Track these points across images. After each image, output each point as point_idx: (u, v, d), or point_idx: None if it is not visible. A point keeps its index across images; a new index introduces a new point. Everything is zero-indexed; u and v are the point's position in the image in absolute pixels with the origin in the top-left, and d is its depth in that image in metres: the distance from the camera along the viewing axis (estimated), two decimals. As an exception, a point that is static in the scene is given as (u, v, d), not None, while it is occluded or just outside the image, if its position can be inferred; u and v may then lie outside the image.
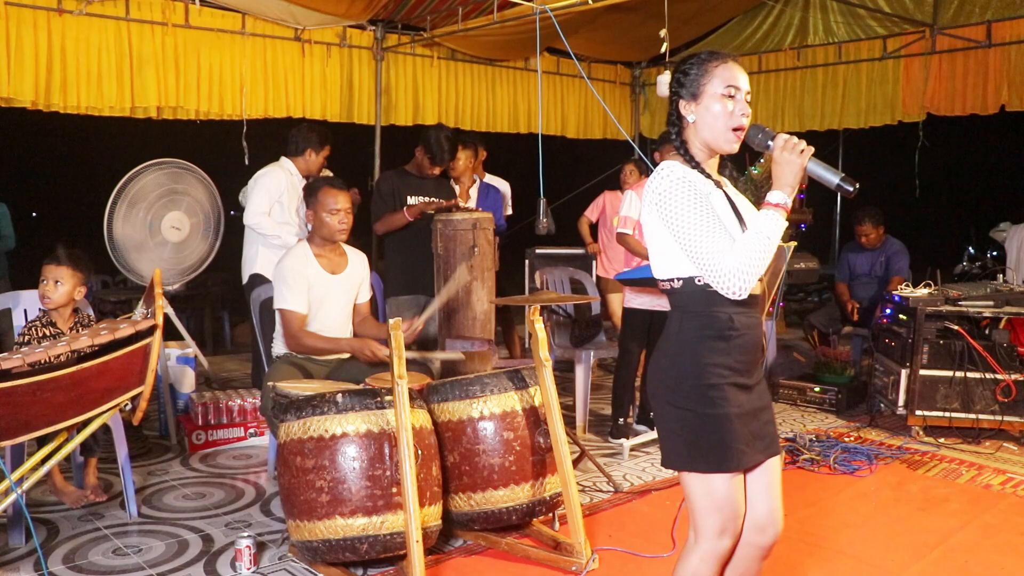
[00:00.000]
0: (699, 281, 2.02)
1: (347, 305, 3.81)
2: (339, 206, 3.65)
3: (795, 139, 1.98)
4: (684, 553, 2.12)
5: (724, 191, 2.10)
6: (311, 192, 3.73)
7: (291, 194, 4.67)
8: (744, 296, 1.97)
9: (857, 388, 5.50)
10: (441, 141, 4.48)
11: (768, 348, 5.46)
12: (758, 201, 2.07)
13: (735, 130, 2.03)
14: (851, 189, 1.98)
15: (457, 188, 5.00)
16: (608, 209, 5.90)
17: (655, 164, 2.06)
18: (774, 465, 2.14)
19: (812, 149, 1.98)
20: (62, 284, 3.46)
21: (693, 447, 2.03)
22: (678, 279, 2.05)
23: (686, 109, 2.07)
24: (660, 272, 2.10)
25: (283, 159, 4.76)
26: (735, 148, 2.06)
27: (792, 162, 1.97)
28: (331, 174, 5.16)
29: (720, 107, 2.02)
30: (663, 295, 5.03)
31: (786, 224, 1.98)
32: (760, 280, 2.06)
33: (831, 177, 1.99)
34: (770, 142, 2.01)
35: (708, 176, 2.07)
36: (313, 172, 4.78)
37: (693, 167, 2.07)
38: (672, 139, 2.12)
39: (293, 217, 4.67)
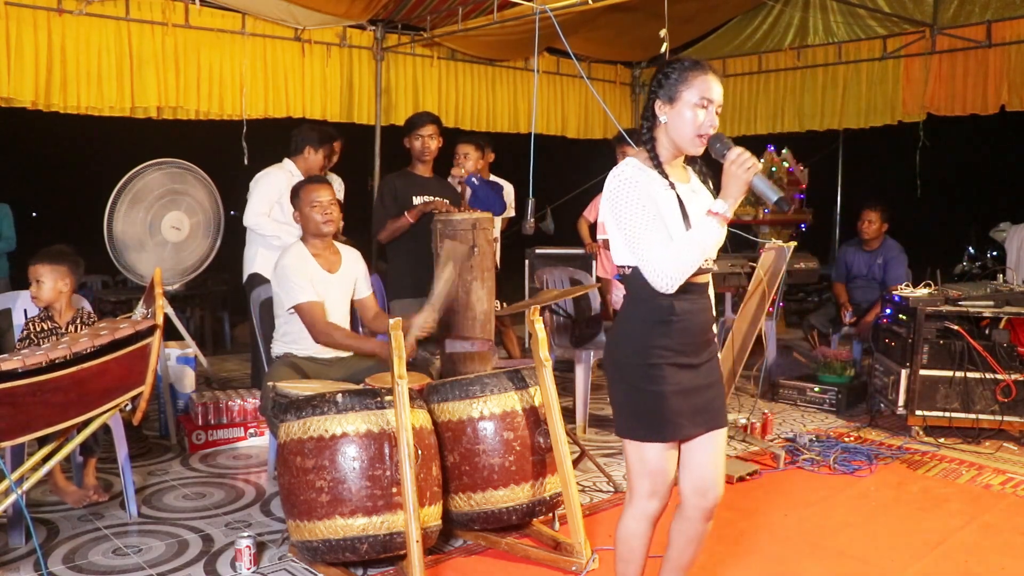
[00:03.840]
0: None
1: (345, 303, 3.81)
2: (319, 199, 3.65)
3: (746, 155, 2.12)
4: (622, 514, 2.38)
5: (676, 192, 2.23)
6: (294, 194, 3.75)
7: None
8: (671, 291, 2.15)
9: (857, 388, 5.50)
10: (412, 117, 4.53)
11: (768, 348, 5.48)
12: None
13: (700, 137, 2.20)
14: (787, 208, 2.16)
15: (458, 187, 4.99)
16: None
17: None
18: (718, 437, 2.34)
19: (759, 166, 2.13)
20: (43, 281, 3.50)
21: (633, 418, 2.27)
22: (629, 267, 2.24)
23: (660, 110, 2.23)
24: (616, 259, 2.29)
25: (285, 160, 4.76)
26: (699, 151, 2.23)
27: (738, 176, 2.11)
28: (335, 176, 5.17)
29: (691, 114, 2.18)
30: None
31: (724, 231, 2.15)
32: (707, 268, 2.27)
33: (771, 194, 2.14)
34: (726, 152, 2.15)
35: (666, 176, 2.23)
36: (314, 171, 4.76)
37: (654, 165, 2.23)
38: (643, 134, 2.28)
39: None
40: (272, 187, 4.62)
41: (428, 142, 4.46)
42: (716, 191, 2.20)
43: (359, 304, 3.91)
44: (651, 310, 2.22)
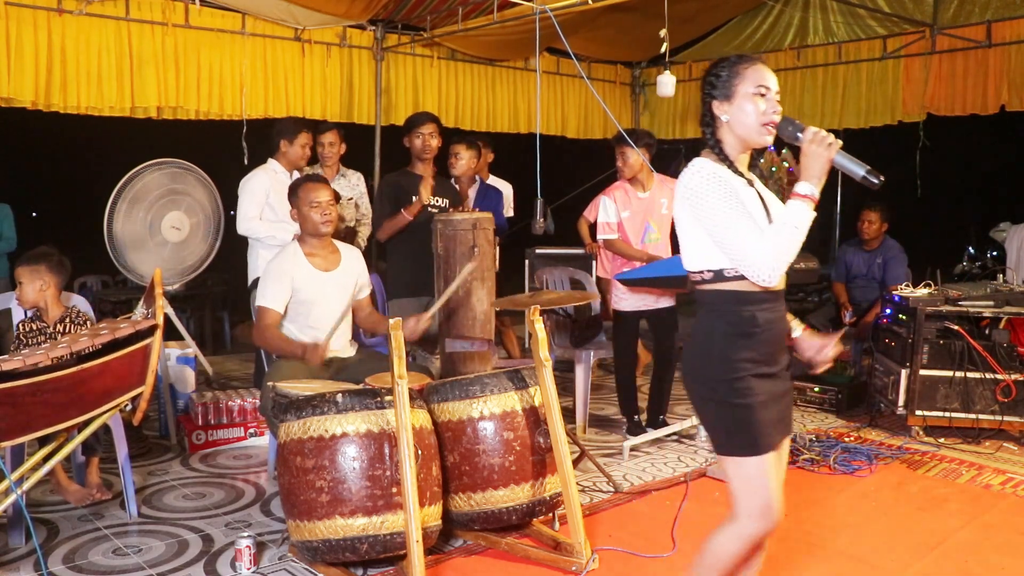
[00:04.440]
0: (728, 273, 2.12)
1: (341, 301, 3.80)
2: (319, 199, 3.66)
3: (823, 132, 2.06)
4: (720, 528, 2.23)
5: (755, 188, 2.19)
6: (292, 191, 3.76)
7: (278, 192, 4.61)
8: (774, 283, 2.07)
9: (857, 388, 5.50)
10: (412, 116, 4.53)
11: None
12: (781, 192, 2.12)
13: (766, 125, 2.14)
14: (876, 181, 2.05)
15: (457, 187, 4.99)
16: None
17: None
18: (785, 446, 2.31)
19: (840, 142, 2.06)
20: (24, 283, 3.54)
21: (728, 434, 2.18)
22: (708, 271, 2.15)
23: (719, 109, 2.18)
24: (691, 264, 2.19)
25: (269, 160, 4.76)
26: (769, 142, 2.18)
27: (819, 154, 2.05)
28: (319, 170, 5.14)
29: (752, 106, 2.13)
30: (655, 295, 5.03)
31: (814, 215, 2.06)
32: (785, 275, 2.17)
33: (857, 169, 2.06)
34: (799, 134, 2.09)
35: (739, 173, 2.18)
36: (297, 162, 4.72)
37: (727, 165, 2.17)
38: (707, 139, 2.22)
39: (287, 215, 4.62)
40: (258, 188, 4.61)
41: (429, 140, 4.46)
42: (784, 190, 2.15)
43: (356, 304, 3.91)
44: (733, 322, 2.14)
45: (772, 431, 2.18)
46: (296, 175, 4.76)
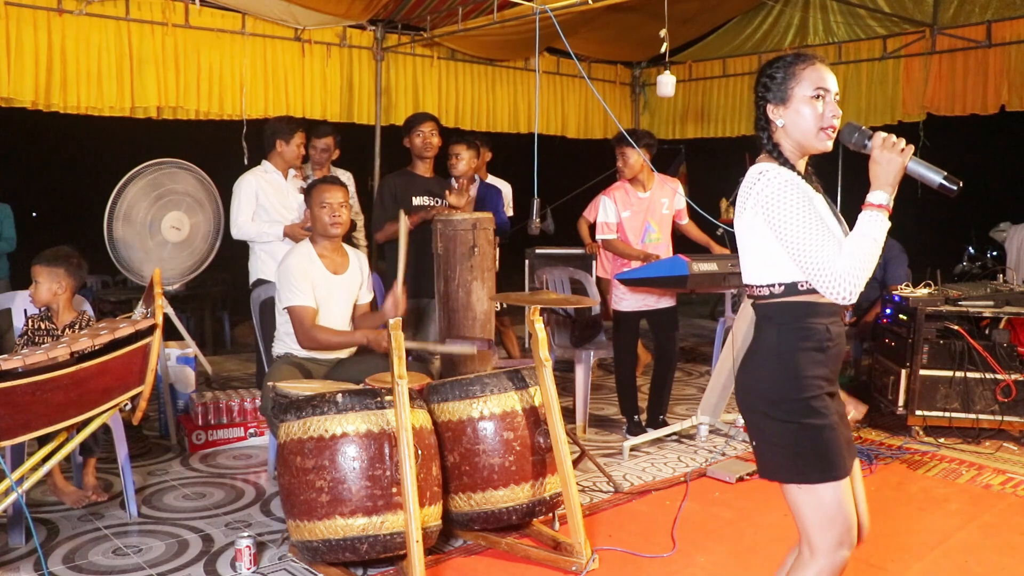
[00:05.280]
0: (802, 287, 1.99)
1: (348, 306, 3.80)
2: (329, 200, 3.65)
3: (894, 137, 1.95)
4: (797, 570, 2.05)
5: (822, 194, 2.08)
6: (307, 193, 3.75)
7: (268, 192, 4.59)
8: (854, 300, 1.93)
9: (857, 388, 5.50)
10: (410, 118, 4.54)
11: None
12: None
13: (825, 130, 2.02)
14: (954, 188, 1.93)
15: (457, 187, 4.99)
16: None
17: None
18: (857, 467, 2.13)
19: (912, 147, 1.94)
20: (40, 282, 3.52)
21: (799, 459, 1.99)
22: (779, 284, 2.01)
23: (774, 113, 2.05)
24: (759, 277, 2.04)
25: (263, 162, 4.73)
26: (828, 147, 2.04)
27: (893, 161, 1.93)
28: (309, 170, 5.13)
29: (810, 110, 2.01)
30: (655, 295, 5.01)
31: (889, 225, 1.94)
32: None
33: (933, 176, 1.95)
34: (867, 141, 1.98)
35: (806, 180, 2.05)
36: (293, 161, 4.69)
37: (790, 169, 2.03)
38: (764, 143, 2.09)
39: (284, 214, 4.60)
40: (245, 192, 4.58)
41: (430, 138, 4.46)
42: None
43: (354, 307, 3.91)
44: (807, 337, 2.00)
45: (846, 453, 2.03)
46: (292, 173, 4.76)
